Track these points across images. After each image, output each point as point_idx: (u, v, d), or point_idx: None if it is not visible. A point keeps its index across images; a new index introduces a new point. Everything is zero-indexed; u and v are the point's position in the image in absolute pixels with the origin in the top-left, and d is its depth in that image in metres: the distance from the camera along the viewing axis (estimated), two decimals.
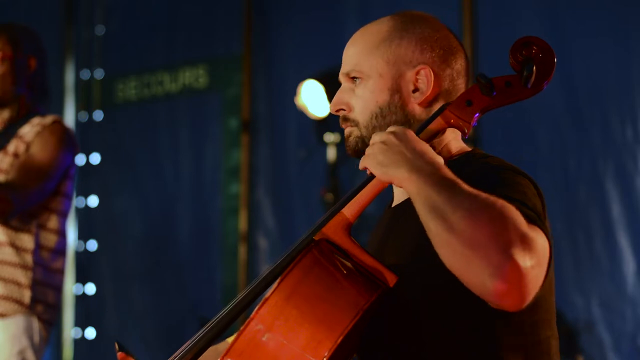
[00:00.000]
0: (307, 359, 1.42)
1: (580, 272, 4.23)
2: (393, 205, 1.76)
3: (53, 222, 3.04)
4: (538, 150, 4.40)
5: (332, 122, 4.67)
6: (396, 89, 1.69)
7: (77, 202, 5.90)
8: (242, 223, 5.35)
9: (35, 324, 2.96)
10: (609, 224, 4.17)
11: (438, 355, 1.57)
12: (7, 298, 2.93)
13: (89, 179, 5.91)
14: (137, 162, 5.85)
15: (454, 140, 1.72)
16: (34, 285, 2.97)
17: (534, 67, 1.55)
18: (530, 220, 1.39)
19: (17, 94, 3.08)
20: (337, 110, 1.74)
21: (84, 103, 6.06)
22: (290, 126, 5.24)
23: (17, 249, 2.96)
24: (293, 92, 4.67)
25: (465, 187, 1.39)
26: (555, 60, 1.57)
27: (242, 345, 1.45)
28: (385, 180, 1.49)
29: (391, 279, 1.52)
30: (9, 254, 2.95)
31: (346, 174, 4.80)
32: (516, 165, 1.59)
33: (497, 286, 1.31)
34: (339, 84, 1.77)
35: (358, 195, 1.56)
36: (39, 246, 3.00)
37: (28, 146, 2.99)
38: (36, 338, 2.96)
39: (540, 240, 1.37)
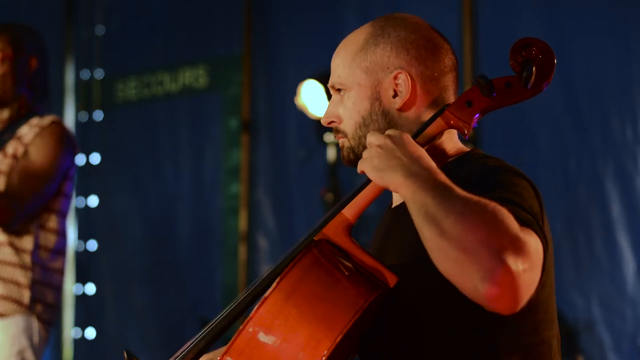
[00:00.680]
0: (307, 357, 1.42)
1: (580, 272, 4.23)
2: (393, 206, 1.77)
3: (53, 222, 3.04)
4: (538, 151, 4.40)
5: None
6: (376, 97, 1.70)
7: (77, 202, 5.90)
8: (242, 223, 5.35)
9: (35, 324, 2.96)
10: (609, 224, 4.17)
11: (438, 355, 1.57)
12: (6, 298, 2.93)
13: (89, 179, 5.91)
14: (137, 162, 5.85)
15: (451, 141, 1.72)
16: (34, 285, 2.97)
17: (534, 68, 1.55)
18: (524, 223, 1.39)
19: (18, 94, 3.08)
20: (329, 123, 1.75)
21: (84, 103, 6.06)
22: (290, 126, 5.24)
23: (17, 249, 2.96)
24: (293, 92, 4.67)
25: (459, 191, 1.39)
26: (555, 61, 1.57)
27: (242, 344, 1.45)
28: (380, 184, 1.49)
29: (391, 279, 1.53)
30: (8, 254, 2.95)
31: (346, 174, 4.80)
32: (515, 167, 1.59)
33: (489, 290, 1.31)
34: None
35: (358, 196, 1.56)
36: (38, 246, 3.00)
37: (26, 149, 2.99)
38: (35, 338, 2.96)
39: (533, 243, 1.37)
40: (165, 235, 5.69)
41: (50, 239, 3.03)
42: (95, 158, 5.94)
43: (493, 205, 1.36)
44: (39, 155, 2.99)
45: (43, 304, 2.99)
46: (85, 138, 5.90)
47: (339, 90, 1.74)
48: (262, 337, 1.45)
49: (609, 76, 4.26)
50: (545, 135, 4.41)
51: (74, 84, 6.09)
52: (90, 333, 5.83)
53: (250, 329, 1.45)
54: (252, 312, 1.46)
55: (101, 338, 5.80)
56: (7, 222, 2.91)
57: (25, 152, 2.99)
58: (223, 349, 1.50)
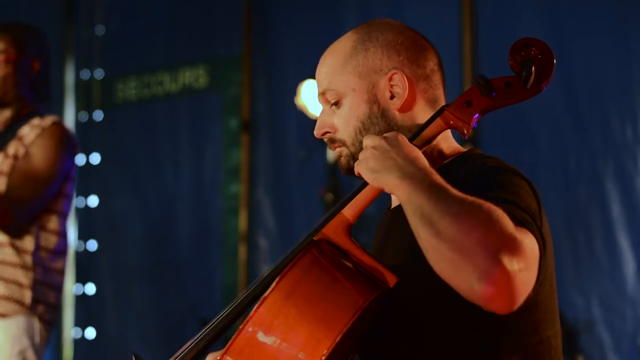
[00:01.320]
0: (306, 357, 1.42)
1: (580, 272, 4.23)
2: (392, 207, 1.77)
3: (53, 223, 3.04)
4: (538, 151, 4.40)
5: None
6: (373, 100, 1.69)
7: (77, 202, 5.90)
8: (242, 223, 5.35)
9: (36, 325, 2.96)
10: (609, 224, 4.17)
11: (438, 355, 1.57)
12: (8, 298, 2.94)
13: (89, 179, 5.91)
14: (137, 162, 5.85)
15: (447, 142, 1.72)
16: (35, 285, 2.97)
17: (533, 68, 1.55)
18: (520, 223, 1.39)
19: (20, 96, 3.08)
20: (323, 134, 1.74)
21: (84, 103, 6.06)
22: (290, 126, 5.24)
23: (18, 249, 2.96)
24: (293, 92, 4.67)
25: (454, 192, 1.39)
26: (555, 61, 1.57)
27: (241, 344, 1.45)
28: (376, 186, 1.49)
29: (391, 279, 1.53)
30: (9, 254, 2.96)
31: None
32: (514, 166, 1.59)
33: (485, 290, 1.31)
34: None
35: (358, 196, 1.56)
36: (39, 247, 3.00)
37: (27, 150, 2.99)
38: (37, 338, 2.96)
39: (529, 243, 1.37)
40: (165, 235, 5.69)
41: (51, 240, 3.03)
42: (95, 158, 5.94)
43: (488, 205, 1.36)
44: (40, 157, 2.99)
45: (44, 304, 2.99)
46: (85, 138, 5.90)
47: (328, 100, 1.72)
48: (262, 336, 1.45)
49: (609, 76, 4.26)
50: (545, 135, 4.41)
51: (74, 84, 6.10)
52: (90, 333, 5.83)
53: (250, 329, 1.45)
54: (252, 311, 1.46)
55: (101, 338, 5.80)
56: (8, 225, 2.92)
57: (26, 153, 3.00)
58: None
